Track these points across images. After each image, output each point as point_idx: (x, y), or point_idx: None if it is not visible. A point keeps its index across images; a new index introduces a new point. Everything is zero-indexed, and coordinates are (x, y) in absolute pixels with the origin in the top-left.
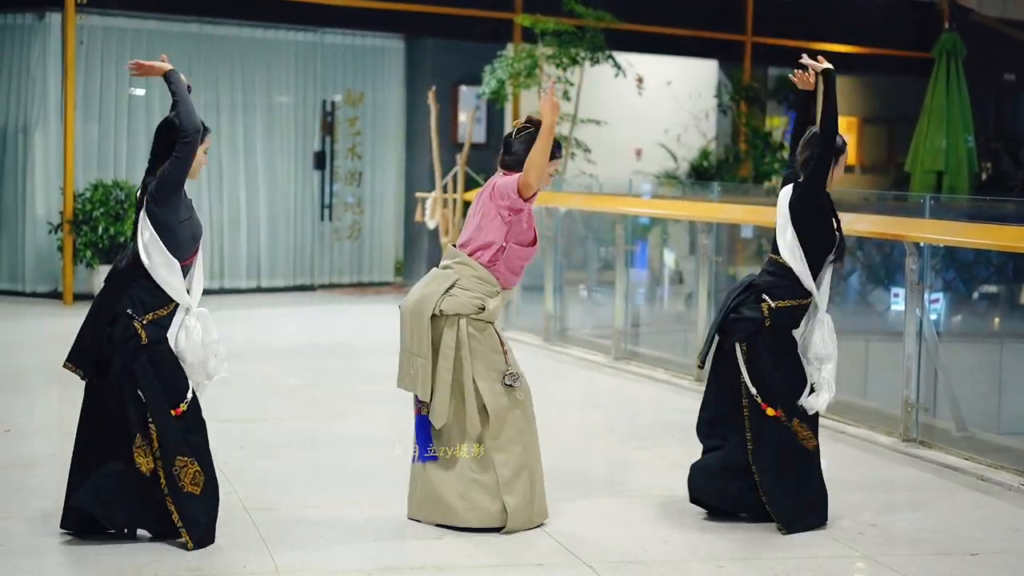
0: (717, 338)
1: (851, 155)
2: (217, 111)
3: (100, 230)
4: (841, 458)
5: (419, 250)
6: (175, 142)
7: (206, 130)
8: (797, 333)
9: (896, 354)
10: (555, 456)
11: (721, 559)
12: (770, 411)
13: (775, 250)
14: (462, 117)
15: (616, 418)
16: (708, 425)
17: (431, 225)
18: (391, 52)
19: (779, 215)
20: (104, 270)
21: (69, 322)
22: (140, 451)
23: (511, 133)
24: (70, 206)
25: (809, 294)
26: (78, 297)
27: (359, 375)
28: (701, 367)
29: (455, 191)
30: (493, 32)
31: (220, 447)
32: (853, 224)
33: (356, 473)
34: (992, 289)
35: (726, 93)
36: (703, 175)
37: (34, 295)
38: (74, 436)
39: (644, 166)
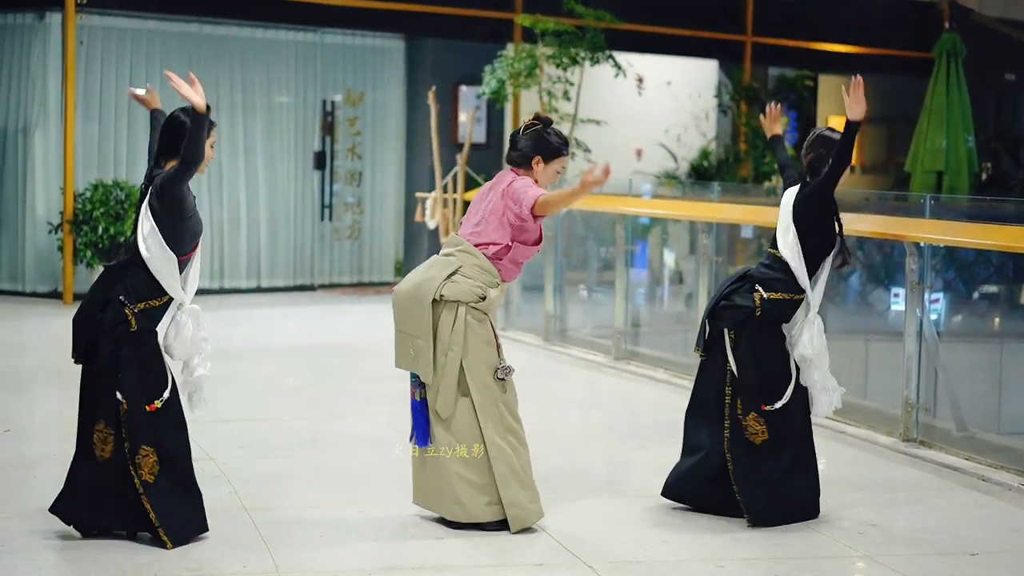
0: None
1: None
2: (217, 111)
3: (100, 230)
4: (841, 458)
5: (419, 250)
6: (179, 140)
7: (212, 124)
8: (787, 328)
9: (896, 354)
10: (555, 456)
11: (721, 559)
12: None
13: (774, 245)
14: (462, 117)
15: (616, 418)
16: (694, 426)
17: (431, 225)
18: (391, 52)
19: (782, 214)
20: None
21: (69, 322)
22: (99, 435)
23: (518, 130)
24: (70, 206)
25: (803, 291)
26: (78, 297)
27: (359, 375)
28: (700, 355)
29: (455, 191)
30: (493, 32)
31: (220, 447)
32: (853, 224)
33: (356, 473)
34: (992, 289)
35: (726, 93)
36: (703, 175)
37: (34, 295)
38: (75, 435)
39: (644, 166)
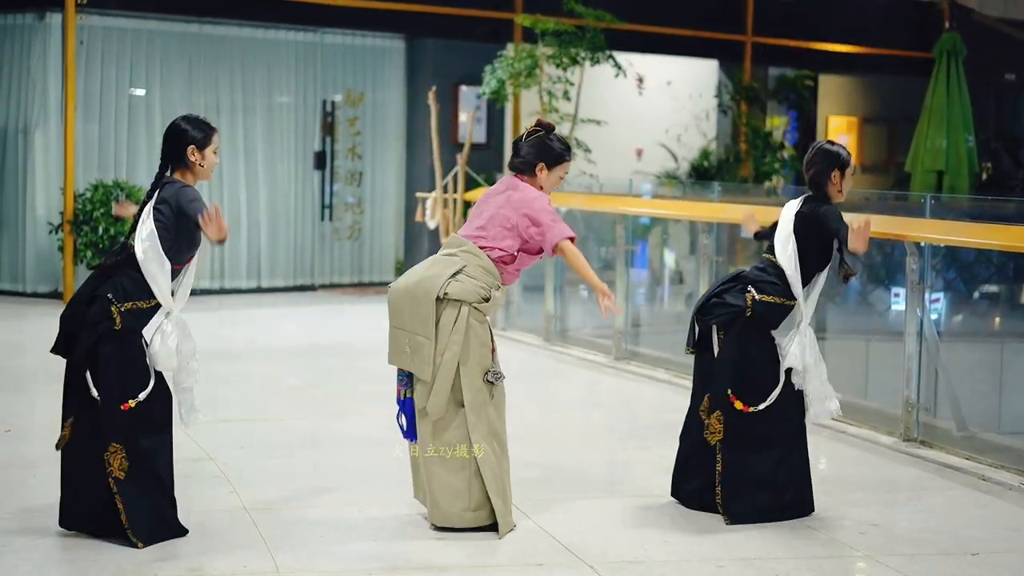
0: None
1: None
2: (217, 111)
3: (100, 230)
4: (842, 458)
5: (419, 250)
6: (181, 147)
7: (213, 129)
8: (777, 335)
9: (897, 354)
10: (556, 456)
11: (721, 559)
12: (738, 404)
13: (770, 251)
14: (462, 117)
15: (617, 418)
16: (688, 450)
17: (431, 225)
18: (391, 52)
19: (782, 225)
20: None
21: None
22: (69, 427)
23: (521, 136)
24: (70, 206)
25: (795, 298)
26: None
27: (359, 375)
28: (689, 352)
29: (455, 191)
30: (493, 32)
31: (220, 447)
32: (854, 224)
33: (356, 473)
34: (992, 289)
35: (726, 93)
36: (703, 175)
37: (35, 295)
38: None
39: (644, 166)
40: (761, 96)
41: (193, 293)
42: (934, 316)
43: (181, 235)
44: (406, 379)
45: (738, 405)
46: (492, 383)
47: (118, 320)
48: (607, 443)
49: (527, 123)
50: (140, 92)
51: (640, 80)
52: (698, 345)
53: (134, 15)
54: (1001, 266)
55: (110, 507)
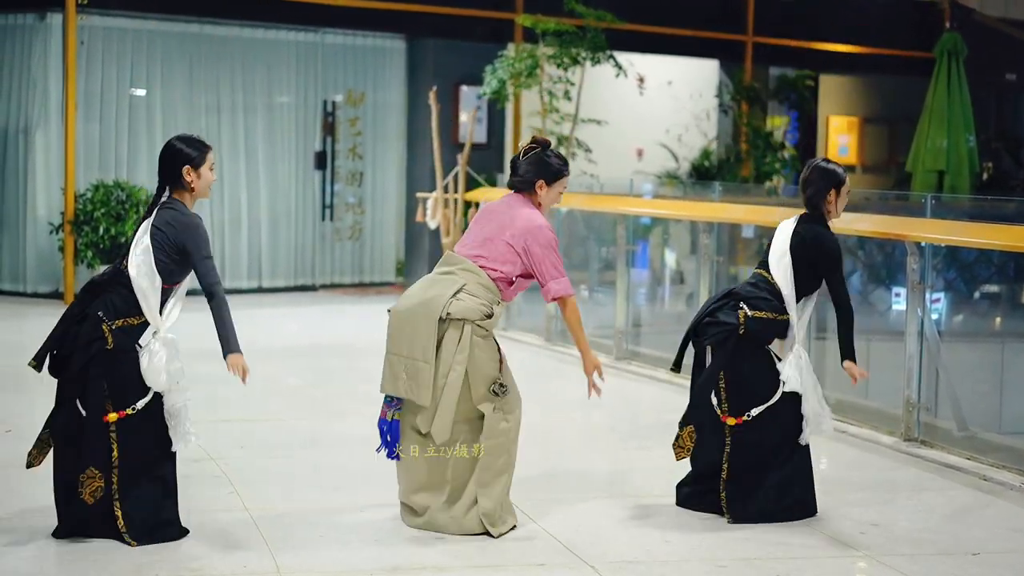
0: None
1: (852, 155)
2: (218, 111)
3: (101, 230)
4: (843, 458)
5: (420, 250)
6: (177, 167)
7: (207, 148)
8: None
9: (897, 354)
10: (556, 456)
11: (721, 559)
12: (730, 420)
13: (762, 266)
14: (463, 117)
15: (617, 418)
16: (698, 470)
17: (432, 225)
18: (392, 52)
19: (778, 242)
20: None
21: None
22: (46, 441)
23: (518, 155)
24: (71, 206)
25: (787, 312)
26: None
27: (360, 375)
28: (674, 371)
29: (456, 191)
30: (494, 32)
31: (220, 447)
32: (854, 224)
33: (356, 473)
34: (993, 289)
35: (727, 93)
36: (704, 175)
37: (35, 295)
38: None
39: (645, 166)
40: (762, 96)
41: (193, 293)
42: (935, 316)
43: (177, 261)
44: (396, 401)
45: (731, 421)
46: (498, 395)
47: (110, 339)
48: (608, 443)
49: (528, 124)
50: (141, 92)
51: (641, 80)
52: (696, 366)
53: (135, 15)
54: (1002, 266)
55: (107, 509)
